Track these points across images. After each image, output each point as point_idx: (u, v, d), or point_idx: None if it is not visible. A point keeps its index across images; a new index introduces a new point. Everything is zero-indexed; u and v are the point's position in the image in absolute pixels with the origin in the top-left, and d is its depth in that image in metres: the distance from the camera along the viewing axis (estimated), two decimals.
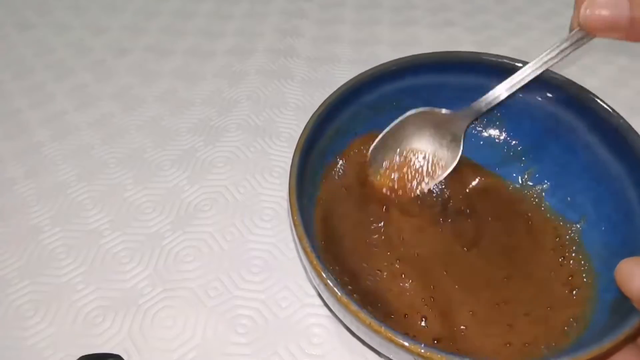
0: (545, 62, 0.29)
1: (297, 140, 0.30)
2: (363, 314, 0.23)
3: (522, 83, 0.30)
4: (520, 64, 0.32)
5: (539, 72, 0.29)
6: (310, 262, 0.25)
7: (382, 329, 0.22)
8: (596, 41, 0.53)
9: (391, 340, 0.22)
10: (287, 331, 0.29)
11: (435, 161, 0.33)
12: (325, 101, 0.32)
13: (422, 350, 0.22)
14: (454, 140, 0.33)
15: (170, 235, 0.35)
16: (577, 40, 0.27)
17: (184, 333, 0.30)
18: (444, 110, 0.33)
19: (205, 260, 0.33)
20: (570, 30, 0.27)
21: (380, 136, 0.33)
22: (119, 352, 0.28)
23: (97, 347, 0.29)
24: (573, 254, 0.31)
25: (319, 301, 0.31)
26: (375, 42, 0.54)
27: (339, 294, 0.23)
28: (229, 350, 0.29)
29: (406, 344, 0.22)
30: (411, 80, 0.35)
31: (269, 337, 0.29)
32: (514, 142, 0.35)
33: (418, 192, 0.33)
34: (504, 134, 0.36)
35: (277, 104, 0.46)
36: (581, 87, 0.32)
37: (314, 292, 0.31)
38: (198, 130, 0.43)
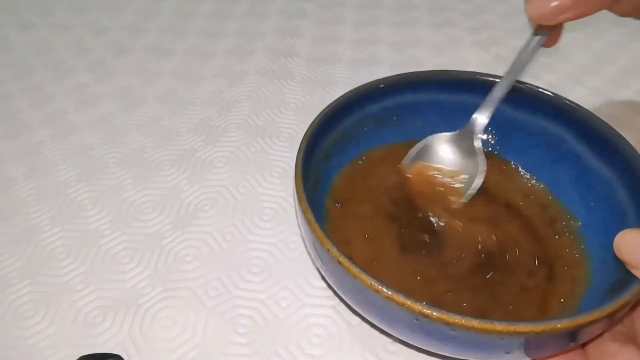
0: (520, 67, 0.32)
1: (297, 140, 0.30)
2: (365, 276, 0.23)
3: (508, 87, 0.33)
4: (522, 85, 0.35)
5: (516, 77, 0.32)
6: (310, 225, 0.26)
7: (384, 289, 0.23)
8: (597, 40, 0.53)
9: (392, 300, 0.22)
10: (287, 331, 0.29)
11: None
12: (331, 103, 0.33)
13: (425, 310, 0.22)
14: (471, 152, 0.34)
15: (170, 235, 0.35)
16: (537, 42, 0.31)
17: (184, 333, 0.30)
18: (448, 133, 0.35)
19: (205, 260, 0.33)
20: (532, 28, 0.31)
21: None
22: (119, 352, 0.28)
23: (97, 347, 0.29)
24: (571, 252, 0.31)
25: (319, 301, 0.31)
26: (375, 42, 0.54)
27: (341, 257, 0.24)
28: (229, 350, 0.29)
29: (409, 302, 0.22)
30: (410, 97, 0.36)
31: (269, 337, 0.29)
32: (506, 157, 0.37)
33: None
34: (496, 151, 0.37)
35: (277, 104, 0.46)
36: (566, 100, 0.34)
37: (314, 292, 0.31)
38: (198, 130, 0.43)
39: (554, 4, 0.26)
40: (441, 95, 0.37)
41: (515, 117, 0.36)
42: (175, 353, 0.29)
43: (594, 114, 0.33)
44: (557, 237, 0.32)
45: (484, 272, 0.30)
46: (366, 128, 0.36)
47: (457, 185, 0.34)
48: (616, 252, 0.24)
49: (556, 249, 0.32)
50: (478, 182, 0.33)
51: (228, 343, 0.29)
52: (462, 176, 0.34)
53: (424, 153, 0.35)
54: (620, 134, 0.31)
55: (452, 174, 0.34)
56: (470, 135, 0.34)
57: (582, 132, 0.33)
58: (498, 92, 0.33)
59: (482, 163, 0.33)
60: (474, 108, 0.36)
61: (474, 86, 0.36)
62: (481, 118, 0.33)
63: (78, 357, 0.27)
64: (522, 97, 0.35)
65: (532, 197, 0.34)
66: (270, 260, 0.33)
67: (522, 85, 0.35)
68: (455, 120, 0.37)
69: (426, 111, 0.37)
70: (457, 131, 0.34)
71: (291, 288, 0.32)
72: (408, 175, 0.35)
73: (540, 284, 0.30)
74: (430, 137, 0.35)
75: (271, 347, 0.29)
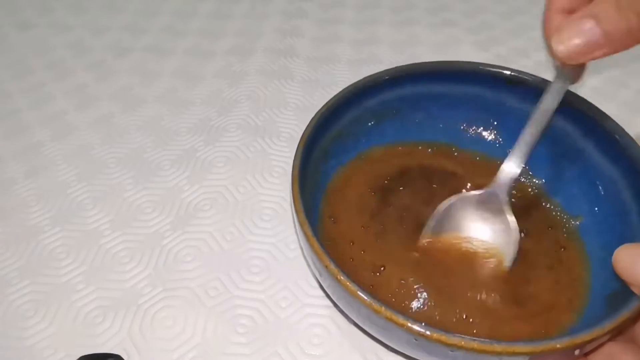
0: (547, 111, 0.29)
1: (297, 140, 0.30)
2: (363, 295, 0.23)
3: (533, 144, 0.29)
4: (515, 74, 0.34)
5: (543, 125, 0.29)
6: (308, 240, 0.25)
7: (383, 308, 0.22)
8: None
9: (391, 320, 0.22)
10: (287, 331, 0.30)
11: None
12: (329, 100, 0.33)
13: (424, 331, 0.22)
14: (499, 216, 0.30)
15: (170, 235, 0.35)
16: (563, 83, 0.28)
17: (184, 333, 0.30)
18: (473, 193, 0.30)
19: (205, 260, 0.33)
20: (556, 66, 0.28)
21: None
22: (119, 352, 0.28)
23: (97, 347, 0.29)
24: (571, 252, 0.31)
25: (318, 301, 0.31)
26: (375, 42, 0.54)
27: (339, 275, 0.24)
28: (229, 350, 0.29)
29: (409, 324, 0.22)
30: (410, 89, 0.35)
31: (269, 337, 0.29)
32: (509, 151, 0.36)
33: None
34: (499, 142, 0.36)
35: (277, 104, 0.46)
36: (572, 93, 0.32)
37: (314, 292, 0.31)
38: (198, 130, 0.43)
39: (582, 40, 0.22)
40: (442, 87, 0.35)
41: (517, 109, 0.34)
42: (175, 353, 0.29)
43: (600, 109, 0.32)
44: (555, 235, 0.32)
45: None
46: (365, 124, 0.35)
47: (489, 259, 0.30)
48: (615, 269, 0.24)
49: (554, 248, 0.31)
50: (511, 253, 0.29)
51: (228, 343, 0.29)
52: (492, 248, 0.30)
53: (446, 222, 0.31)
54: (627, 132, 0.30)
55: (484, 246, 0.30)
56: (496, 196, 0.29)
57: (587, 128, 0.32)
58: (528, 138, 0.29)
59: (514, 232, 0.29)
60: (476, 99, 0.35)
61: (475, 77, 0.35)
62: (511, 168, 0.29)
63: (78, 357, 0.27)
64: (525, 88, 0.34)
65: (531, 193, 0.34)
66: (270, 260, 0.33)
67: (524, 76, 0.34)
68: (457, 113, 0.36)
69: (426, 104, 0.36)
70: (483, 190, 0.30)
71: (291, 288, 0.32)
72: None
73: (537, 284, 0.29)
74: (450, 200, 0.30)
75: (271, 347, 0.29)
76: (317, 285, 0.32)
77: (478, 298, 0.29)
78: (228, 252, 0.34)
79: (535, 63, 0.51)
